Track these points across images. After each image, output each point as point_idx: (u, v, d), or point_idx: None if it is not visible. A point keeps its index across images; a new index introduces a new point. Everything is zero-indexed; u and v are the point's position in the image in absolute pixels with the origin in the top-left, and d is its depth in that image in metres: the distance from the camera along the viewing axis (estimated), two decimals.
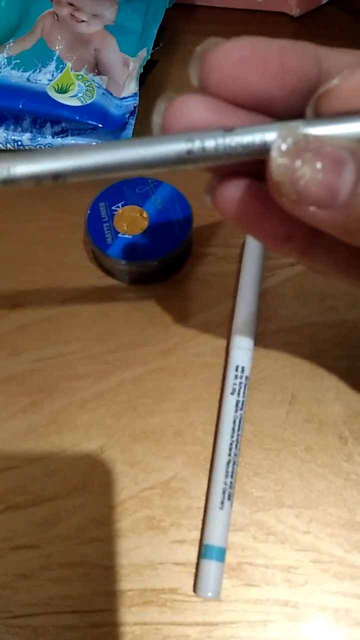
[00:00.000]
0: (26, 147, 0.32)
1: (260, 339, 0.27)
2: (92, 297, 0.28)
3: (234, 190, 0.16)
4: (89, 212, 0.28)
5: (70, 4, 0.34)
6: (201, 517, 0.23)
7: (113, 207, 0.28)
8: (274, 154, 0.14)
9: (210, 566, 0.21)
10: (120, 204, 0.28)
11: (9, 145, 0.32)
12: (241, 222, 0.16)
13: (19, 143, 0.32)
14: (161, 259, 0.27)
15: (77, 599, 0.21)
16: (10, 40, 0.33)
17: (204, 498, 0.23)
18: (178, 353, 0.27)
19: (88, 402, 0.25)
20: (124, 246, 0.27)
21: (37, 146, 0.32)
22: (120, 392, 0.26)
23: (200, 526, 0.23)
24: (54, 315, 0.28)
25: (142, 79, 0.35)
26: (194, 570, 0.22)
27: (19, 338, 0.27)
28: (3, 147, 0.32)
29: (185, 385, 0.26)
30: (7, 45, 0.33)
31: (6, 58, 0.32)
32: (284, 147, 0.14)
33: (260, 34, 0.41)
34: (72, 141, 0.31)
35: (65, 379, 0.26)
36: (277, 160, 0.14)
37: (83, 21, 0.34)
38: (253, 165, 0.15)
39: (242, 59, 0.15)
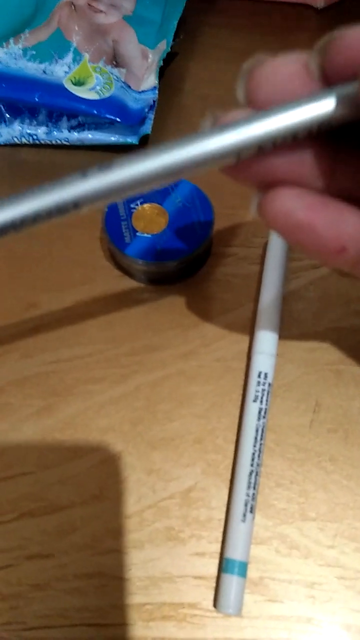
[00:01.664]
0: (42, 141, 0.31)
1: (283, 344, 0.26)
2: (109, 297, 0.27)
3: (283, 202, 0.15)
4: (106, 210, 0.27)
5: None
6: (222, 529, 0.22)
7: (132, 205, 0.27)
8: None
9: (231, 581, 0.20)
10: (138, 202, 0.27)
11: (24, 139, 0.31)
12: (292, 234, 0.16)
13: (35, 137, 0.31)
14: (181, 259, 0.26)
15: (93, 611, 0.21)
16: (26, 31, 0.32)
17: (224, 509, 0.22)
18: (198, 357, 0.26)
19: (105, 407, 0.25)
20: (142, 246, 0.26)
21: (53, 141, 0.31)
22: (138, 396, 0.25)
23: (220, 538, 0.22)
24: (70, 316, 0.27)
25: (162, 72, 0.34)
26: (214, 585, 0.21)
27: (33, 339, 0.26)
28: (18, 141, 0.31)
29: (206, 390, 0.25)
30: (22, 36, 0.32)
31: (22, 49, 0.31)
32: None
33: (283, 27, 0.40)
34: (89, 135, 0.30)
35: (81, 382, 0.25)
36: None
37: (101, 11, 0.33)
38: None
39: (291, 74, 0.15)
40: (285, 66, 0.15)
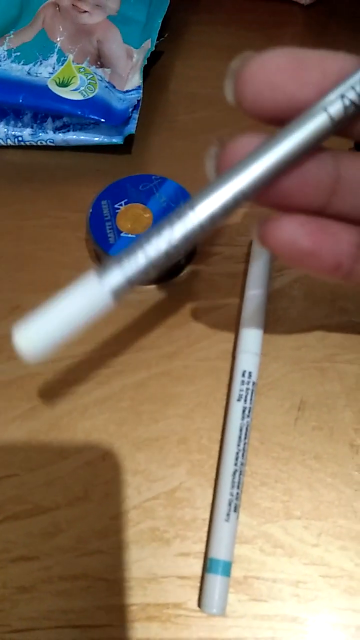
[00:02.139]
0: (27, 143, 0.31)
1: (268, 342, 0.26)
2: None
3: (286, 231, 0.16)
4: (90, 210, 0.27)
5: None
6: (206, 528, 0.22)
7: (116, 205, 0.27)
8: None
9: (215, 581, 0.20)
10: (123, 202, 0.27)
11: (9, 141, 0.31)
12: (296, 260, 0.16)
13: (20, 138, 0.31)
14: None
15: (78, 612, 0.21)
16: (11, 32, 0.32)
17: (209, 509, 0.22)
18: (183, 357, 0.26)
19: (89, 408, 0.25)
20: (126, 246, 0.26)
21: (39, 142, 0.31)
22: (122, 397, 0.25)
23: (205, 538, 0.22)
24: None
25: (146, 71, 0.34)
26: (199, 584, 0.21)
27: None
28: (3, 143, 0.31)
29: (190, 390, 0.25)
30: (7, 38, 0.32)
31: (6, 51, 0.31)
32: None
33: (269, 23, 0.40)
34: (74, 136, 0.30)
35: (66, 383, 0.25)
36: None
37: (85, 11, 0.33)
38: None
39: (279, 69, 0.15)
40: (272, 61, 0.15)
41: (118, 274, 0.14)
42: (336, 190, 0.16)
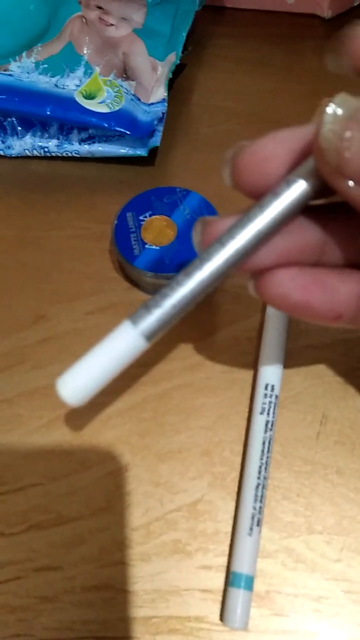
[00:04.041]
0: (52, 154, 0.31)
1: (290, 356, 0.26)
2: (117, 309, 0.27)
3: (278, 285, 0.16)
4: (115, 222, 0.27)
5: (99, 7, 0.34)
6: (228, 542, 0.22)
7: (140, 217, 0.27)
8: (326, 118, 0.14)
9: (238, 595, 0.20)
10: (147, 214, 0.28)
11: (35, 152, 0.31)
12: (291, 312, 0.17)
13: (46, 149, 0.31)
14: None
15: (100, 624, 0.21)
16: (38, 45, 0.32)
17: (231, 522, 0.22)
18: (205, 369, 0.26)
19: (112, 419, 0.25)
20: (151, 258, 0.26)
21: (64, 153, 0.31)
22: (145, 408, 0.25)
23: (227, 552, 0.22)
24: (79, 328, 0.27)
25: (170, 84, 0.35)
26: (220, 598, 0.21)
27: (42, 350, 0.26)
28: (29, 154, 0.31)
29: (213, 402, 0.25)
30: (35, 50, 0.32)
31: (34, 63, 0.31)
32: (338, 111, 0.14)
33: (291, 36, 0.40)
34: (100, 148, 0.31)
35: None
36: (327, 125, 0.14)
37: (111, 24, 0.33)
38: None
39: (268, 156, 0.16)
40: (262, 150, 0.16)
41: (150, 319, 0.16)
42: (324, 250, 0.17)
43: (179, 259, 0.26)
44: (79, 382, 0.16)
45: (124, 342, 0.16)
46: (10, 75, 0.31)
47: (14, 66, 0.31)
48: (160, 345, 0.26)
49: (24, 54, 0.32)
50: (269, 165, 0.16)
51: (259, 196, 0.16)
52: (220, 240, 0.16)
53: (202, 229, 0.17)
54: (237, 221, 0.16)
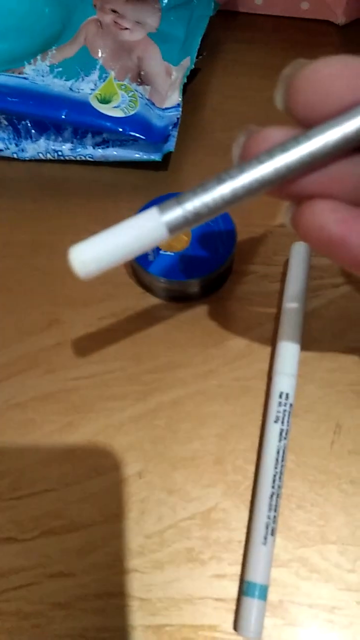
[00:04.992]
0: (66, 157, 0.31)
1: (304, 364, 0.26)
2: (130, 314, 0.27)
3: (317, 215, 0.15)
4: None
5: (114, 11, 0.34)
6: (242, 551, 0.22)
7: None
8: None
9: (252, 604, 0.20)
10: None
11: (49, 155, 0.31)
12: (325, 248, 0.16)
13: (59, 153, 0.31)
14: (203, 278, 0.26)
15: (113, 631, 0.21)
16: (53, 48, 0.32)
17: (244, 531, 0.22)
18: (218, 376, 0.26)
19: (125, 425, 0.25)
20: (165, 264, 0.26)
21: (78, 156, 0.31)
22: (158, 415, 0.25)
23: (240, 560, 0.22)
24: (92, 333, 0.27)
25: (183, 88, 0.34)
26: (234, 607, 0.21)
27: (56, 355, 0.26)
28: (43, 157, 0.31)
29: (226, 410, 0.25)
30: (49, 53, 0.32)
31: (48, 66, 0.31)
32: None
33: (304, 42, 0.40)
34: (114, 152, 0.31)
35: (103, 399, 0.25)
36: None
37: (126, 28, 0.33)
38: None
39: (333, 75, 0.14)
40: (325, 68, 0.15)
41: (177, 211, 0.15)
42: None
43: (193, 265, 0.26)
44: (92, 253, 0.16)
45: (145, 227, 0.15)
46: (25, 78, 0.31)
47: (28, 69, 0.31)
48: (173, 351, 0.26)
49: (38, 57, 0.32)
50: (333, 85, 0.14)
51: (313, 123, 0.15)
52: (270, 152, 0.15)
53: (247, 139, 0.16)
54: (292, 137, 0.15)
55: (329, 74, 0.14)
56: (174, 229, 0.15)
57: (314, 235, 0.16)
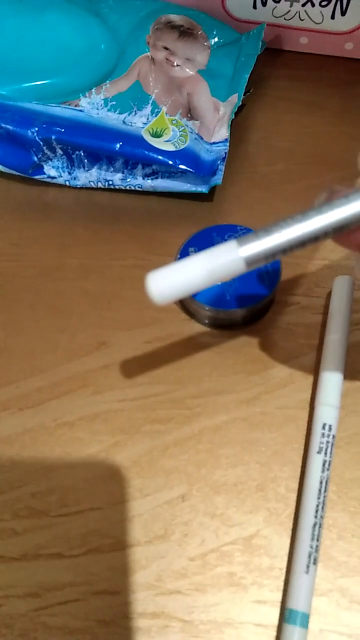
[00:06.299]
0: (117, 187, 0.33)
1: (346, 395, 0.26)
2: (175, 340, 0.28)
3: None
4: (178, 256, 0.28)
5: (166, 48, 0.35)
6: (283, 577, 0.23)
7: None
8: None
9: (293, 632, 0.21)
10: None
11: (100, 184, 0.33)
12: None
13: (110, 182, 0.32)
14: (248, 308, 0.27)
15: None
16: (107, 82, 0.34)
17: (286, 558, 0.23)
18: (261, 403, 0.26)
19: (170, 448, 0.25)
20: (211, 292, 0.27)
21: (127, 186, 0.32)
22: (201, 439, 0.26)
23: (282, 587, 0.22)
24: (138, 356, 0.28)
25: (230, 123, 0.36)
26: (274, 633, 0.22)
27: (103, 377, 0.27)
28: (94, 185, 0.33)
29: (268, 438, 0.26)
30: (103, 87, 0.34)
31: (103, 99, 0.33)
32: None
33: (346, 80, 0.41)
34: (163, 183, 0.32)
35: (148, 421, 0.26)
36: None
37: (177, 65, 0.35)
38: None
39: None
40: None
41: (257, 246, 0.16)
42: None
43: (238, 295, 0.27)
44: (169, 282, 0.16)
45: (223, 258, 0.16)
46: (80, 110, 0.32)
47: (84, 102, 0.33)
48: (216, 378, 0.27)
49: (93, 90, 0.34)
50: None
51: None
52: (347, 196, 0.16)
53: (329, 195, 0.17)
54: None
55: None
56: (252, 262, 0.16)
57: None
